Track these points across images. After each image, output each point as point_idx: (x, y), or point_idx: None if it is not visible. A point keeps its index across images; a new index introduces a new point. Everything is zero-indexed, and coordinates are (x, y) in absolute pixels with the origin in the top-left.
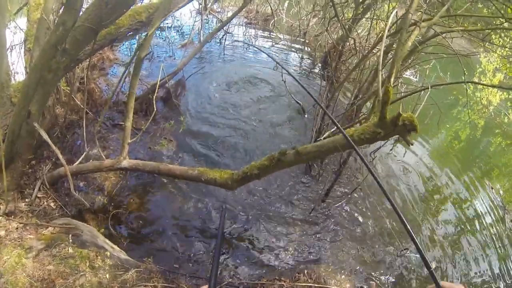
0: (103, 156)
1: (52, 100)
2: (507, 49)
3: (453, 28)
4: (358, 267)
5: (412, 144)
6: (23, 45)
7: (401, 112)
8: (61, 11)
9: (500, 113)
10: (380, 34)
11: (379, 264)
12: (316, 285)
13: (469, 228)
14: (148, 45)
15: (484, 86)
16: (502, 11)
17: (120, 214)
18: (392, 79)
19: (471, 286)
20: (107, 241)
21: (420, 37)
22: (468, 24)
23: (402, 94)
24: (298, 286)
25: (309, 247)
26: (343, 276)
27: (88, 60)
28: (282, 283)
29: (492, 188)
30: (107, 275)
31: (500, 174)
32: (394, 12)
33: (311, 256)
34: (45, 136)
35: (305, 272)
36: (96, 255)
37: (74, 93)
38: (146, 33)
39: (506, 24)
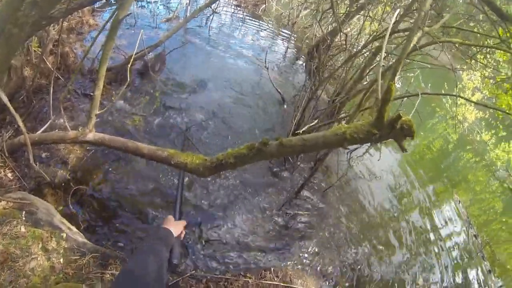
0: (68, 126)
1: (21, 61)
2: (489, 69)
3: (452, 39)
4: (324, 269)
5: (406, 151)
6: None
7: (401, 114)
8: None
9: (474, 130)
10: (374, 34)
11: (345, 267)
12: (282, 284)
13: (432, 238)
14: (128, 6)
15: (465, 102)
16: (494, 33)
17: (82, 191)
18: (396, 77)
19: None
20: (64, 221)
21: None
22: (462, 40)
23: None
24: (264, 284)
25: (276, 244)
26: (309, 277)
27: (63, 20)
28: (248, 279)
29: (459, 202)
30: (61, 259)
31: (467, 188)
32: (397, 12)
33: (278, 254)
34: (4, 99)
35: (272, 270)
36: (50, 236)
37: (46, 55)
38: None
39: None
